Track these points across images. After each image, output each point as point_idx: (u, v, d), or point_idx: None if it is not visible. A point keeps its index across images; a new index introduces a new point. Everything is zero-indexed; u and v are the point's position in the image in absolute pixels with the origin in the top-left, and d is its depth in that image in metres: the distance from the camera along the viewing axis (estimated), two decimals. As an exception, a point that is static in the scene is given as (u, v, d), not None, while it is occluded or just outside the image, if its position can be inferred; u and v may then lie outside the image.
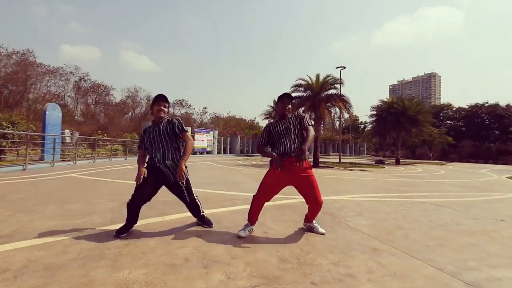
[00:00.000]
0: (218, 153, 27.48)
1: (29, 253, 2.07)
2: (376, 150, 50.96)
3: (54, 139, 8.93)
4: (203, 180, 7.11)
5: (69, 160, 9.71)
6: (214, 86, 75.40)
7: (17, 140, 9.56)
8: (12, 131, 8.90)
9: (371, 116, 22.55)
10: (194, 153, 22.99)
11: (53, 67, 32.24)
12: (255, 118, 51.86)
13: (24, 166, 7.45)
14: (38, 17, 50.50)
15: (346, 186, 6.80)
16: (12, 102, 29.15)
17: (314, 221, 2.90)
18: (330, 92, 13.71)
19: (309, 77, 14.20)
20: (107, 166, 9.96)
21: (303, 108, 12.59)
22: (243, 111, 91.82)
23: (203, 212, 2.91)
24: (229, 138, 29.46)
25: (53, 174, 6.82)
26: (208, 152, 24.90)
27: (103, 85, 37.53)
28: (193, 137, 23.00)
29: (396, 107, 19.04)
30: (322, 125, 14.41)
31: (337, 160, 17.99)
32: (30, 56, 30.51)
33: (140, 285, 1.66)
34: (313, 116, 14.36)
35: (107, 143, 15.64)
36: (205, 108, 54.15)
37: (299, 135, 2.69)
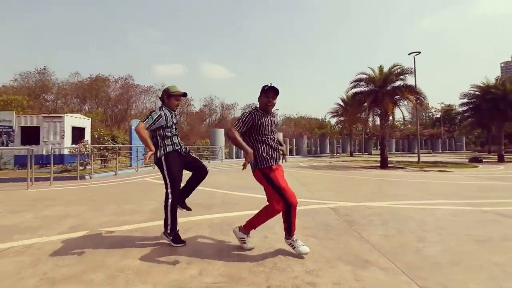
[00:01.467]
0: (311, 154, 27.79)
1: (75, 240, 2.82)
2: (482, 145, 41.89)
3: (137, 148, 10.99)
4: (239, 182, 7.52)
5: (150, 166, 11.68)
6: (284, 86, 76.37)
7: (117, 151, 12.09)
8: (107, 145, 11.33)
9: (462, 105, 18.98)
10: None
11: (146, 86, 38.53)
12: (325, 116, 50.14)
13: (116, 172, 9.41)
14: (135, 44, 62.13)
15: (402, 190, 6.11)
16: (119, 118, 36.44)
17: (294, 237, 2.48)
18: (398, 84, 12.26)
19: (372, 69, 13.07)
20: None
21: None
22: (312, 110, 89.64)
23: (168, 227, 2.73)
24: (294, 139, 29.37)
25: (132, 179, 8.42)
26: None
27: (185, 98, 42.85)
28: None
29: (494, 92, 15.50)
30: (388, 121, 12.97)
31: (418, 159, 15.82)
32: (130, 79, 37.44)
33: (131, 272, 2.10)
34: (377, 112, 13.15)
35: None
36: (276, 110, 55.43)
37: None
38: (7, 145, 12.14)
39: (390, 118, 13.29)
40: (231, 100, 72.88)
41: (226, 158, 20.76)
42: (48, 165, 11.17)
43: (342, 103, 28.03)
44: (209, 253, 2.49)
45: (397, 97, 12.25)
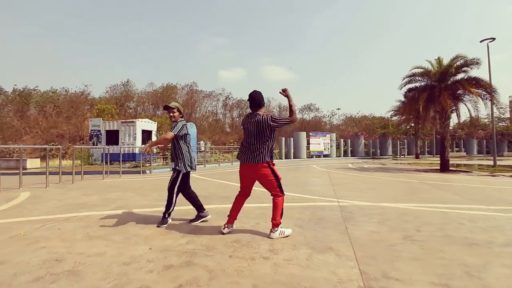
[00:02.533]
0: (338, 156, 26.79)
1: (115, 215, 3.74)
2: None
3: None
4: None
5: (201, 164, 13.08)
6: (345, 86, 72.82)
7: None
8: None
9: None
10: (311, 156, 23.68)
11: (208, 91, 41.92)
12: (389, 115, 46.10)
13: (171, 168, 10.92)
14: (202, 52, 68.27)
15: (441, 194, 5.64)
16: (186, 121, 40.65)
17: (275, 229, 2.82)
18: (459, 77, 10.84)
19: (429, 62, 11.84)
20: (225, 169, 12.59)
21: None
22: (374, 109, 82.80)
23: (167, 214, 3.33)
24: (349, 140, 28.01)
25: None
26: (325, 156, 24.88)
27: (244, 101, 44.98)
28: (308, 141, 23.85)
29: None
30: (449, 120, 11.52)
31: (494, 163, 13.55)
32: (194, 86, 41.38)
33: (142, 237, 2.82)
34: (436, 109, 11.82)
35: (233, 150, 19.19)
36: (338, 109, 53.54)
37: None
38: (96, 145, 15.14)
39: (454, 115, 11.73)
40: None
41: (275, 158, 21.31)
42: (124, 162, 13.56)
43: (404, 100, 25.53)
44: (204, 231, 3.06)
45: (459, 91, 10.83)
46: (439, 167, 11.94)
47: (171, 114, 3.45)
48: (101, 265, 2.15)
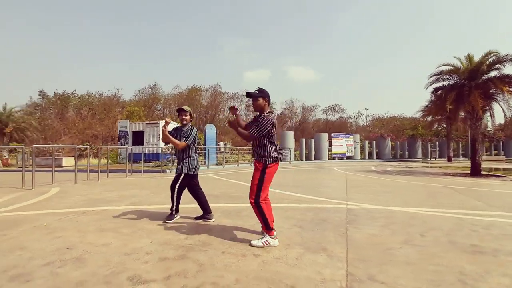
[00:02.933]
0: (362, 158, 25.92)
1: (128, 211, 4.01)
2: None
3: (208, 149, 12.82)
4: (292, 182, 7.86)
5: (220, 164, 13.36)
6: (373, 85, 70.39)
7: (199, 151, 14.42)
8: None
9: None
10: (333, 158, 23.16)
11: (232, 93, 42.64)
12: (420, 116, 43.67)
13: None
14: (228, 53, 69.78)
15: (463, 200, 5.32)
16: (209, 123, 41.74)
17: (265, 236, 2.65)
18: (492, 75, 10.05)
19: (458, 58, 11.12)
20: (243, 169, 12.77)
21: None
22: (404, 109, 78.75)
23: (172, 210, 3.51)
24: (374, 141, 26.98)
25: (200, 174, 9.99)
26: (348, 157, 24.19)
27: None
28: (330, 142, 23.34)
29: None
30: (480, 121, 10.72)
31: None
32: (218, 87, 42.34)
33: (146, 231, 3.02)
34: (467, 109, 11.07)
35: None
36: (365, 109, 51.87)
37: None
38: (124, 145, 16.07)
39: (487, 119, 10.90)
40: (313, 101, 71.93)
41: (296, 160, 21.14)
42: (149, 161, 14.26)
43: (432, 99, 24.11)
44: (206, 229, 3.20)
45: (492, 90, 10.05)
46: (469, 171, 11.16)
47: (183, 117, 3.60)
48: (104, 255, 2.35)
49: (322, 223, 3.43)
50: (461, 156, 31.10)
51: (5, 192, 5.60)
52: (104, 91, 37.15)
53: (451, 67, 10.94)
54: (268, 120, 2.72)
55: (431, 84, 11.90)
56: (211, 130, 14.64)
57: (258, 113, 2.88)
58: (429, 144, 29.67)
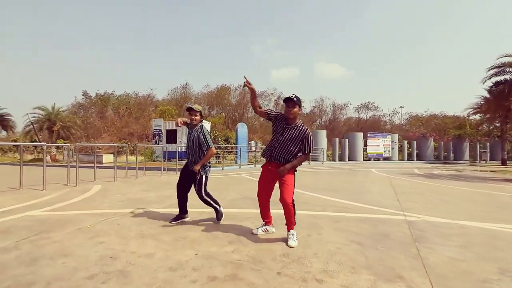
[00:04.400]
0: (401, 159, 24.21)
1: (167, 214, 3.85)
2: None
3: (240, 149, 12.63)
4: (323, 184, 7.34)
5: (252, 164, 13.13)
6: (409, 82, 66.16)
7: (224, 150, 14.35)
8: (219, 144, 13.51)
9: None
10: (368, 159, 21.89)
11: (260, 91, 42.41)
12: (468, 113, 39.99)
13: (222, 167, 11.22)
14: (256, 53, 69.79)
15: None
16: (238, 121, 41.91)
17: (291, 231, 2.81)
18: None
19: (525, 50, 9.72)
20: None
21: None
22: (445, 107, 72.63)
23: (217, 209, 3.49)
24: (415, 142, 25.05)
25: (233, 174, 9.83)
26: (385, 159, 22.71)
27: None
28: (365, 142, 22.06)
29: None
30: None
31: None
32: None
33: (188, 240, 2.79)
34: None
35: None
36: (401, 107, 48.81)
37: (291, 147, 2.79)
38: (158, 143, 16.52)
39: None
40: (344, 99, 69.35)
41: (329, 160, 20.30)
42: (182, 159, 14.48)
43: (488, 95, 21.78)
44: (252, 239, 2.90)
45: None
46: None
47: (193, 117, 3.43)
48: (149, 269, 2.14)
49: (384, 240, 2.96)
50: (516, 159, 27.83)
51: (52, 189, 5.81)
52: (140, 91, 39.01)
53: (516, 59, 9.59)
54: (310, 135, 2.87)
55: (490, 78, 10.59)
56: (242, 129, 14.46)
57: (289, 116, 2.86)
58: (478, 145, 26.96)
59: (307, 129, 2.85)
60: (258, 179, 3.07)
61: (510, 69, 9.87)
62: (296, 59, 71.37)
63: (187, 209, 3.60)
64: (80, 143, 19.82)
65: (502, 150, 23.06)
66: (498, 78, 10.26)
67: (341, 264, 2.31)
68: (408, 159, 24.43)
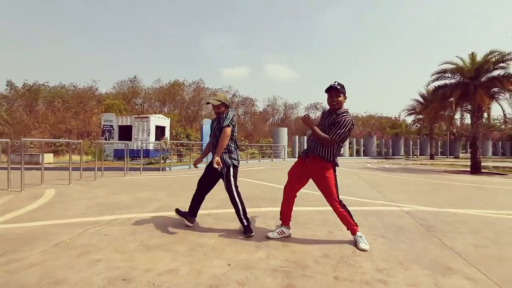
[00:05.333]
0: (350, 155, 26.22)
1: (159, 219, 3.30)
2: None
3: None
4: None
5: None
6: (353, 84, 72.16)
7: (191, 147, 13.54)
8: (183, 141, 12.67)
9: None
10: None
11: (215, 89, 41.46)
12: (399, 115, 45.56)
13: (189, 166, 10.50)
14: (206, 50, 67.84)
15: (501, 199, 5.14)
16: (192, 118, 40.26)
17: (357, 234, 2.49)
18: (495, 74, 10.25)
19: (460, 58, 11.25)
20: (243, 166, 12.14)
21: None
22: (384, 108, 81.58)
23: (244, 218, 2.76)
24: (362, 139, 27.41)
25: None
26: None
27: (249, 98, 44.43)
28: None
29: None
30: (482, 119, 10.95)
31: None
32: (201, 83, 40.93)
33: (208, 248, 2.37)
34: (468, 107, 11.29)
35: (248, 147, 18.72)
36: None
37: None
38: (108, 140, 14.75)
39: (485, 115, 11.13)
40: (294, 99, 72.32)
41: (288, 157, 20.80)
42: (137, 158, 13.16)
43: (421, 99, 24.95)
44: (276, 241, 2.60)
45: (495, 89, 10.25)
46: (468, 169, 11.42)
47: (217, 110, 2.93)
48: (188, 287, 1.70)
49: (402, 231, 2.96)
50: (439, 154, 32.62)
51: (-15, 196, 4.58)
52: (79, 83, 34.48)
53: (454, 66, 11.02)
54: (350, 121, 2.45)
55: (433, 82, 12.00)
56: (207, 126, 13.77)
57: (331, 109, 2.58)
58: (411, 142, 30.76)
59: (345, 114, 2.47)
60: (288, 171, 2.76)
61: (448, 74, 11.26)
62: (246, 58, 71.85)
63: (197, 214, 3.11)
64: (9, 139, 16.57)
65: (430, 146, 26.75)
66: (439, 83, 11.61)
67: (386, 260, 2.18)
68: (356, 155, 26.56)
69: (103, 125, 15.10)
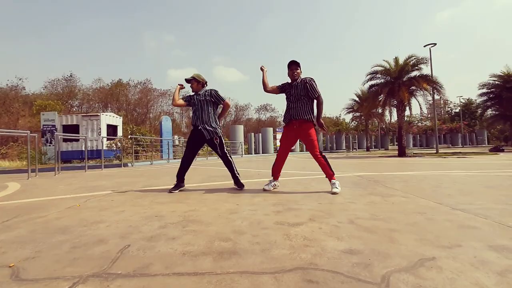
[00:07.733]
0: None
1: (155, 190, 3.60)
2: (506, 139, 40.42)
3: (168, 142, 11.97)
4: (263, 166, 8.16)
5: (179, 158, 12.61)
6: (295, 87, 76.35)
7: (145, 145, 13.17)
8: (147, 137, 12.35)
9: (481, 95, 18.93)
10: (277, 151, 24.53)
11: (163, 90, 39.99)
12: (339, 114, 50.52)
13: (152, 162, 10.37)
14: (151, 49, 65.10)
15: (421, 167, 6.59)
16: (139, 121, 38.11)
17: (332, 180, 3.16)
18: (413, 75, 12.60)
19: (387, 61, 13.44)
20: (198, 163, 12.40)
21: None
22: (328, 109, 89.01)
23: (237, 173, 3.52)
24: (310, 135, 29.74)
25: (167, 166, 9.30)
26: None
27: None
28: (275, 136, 24.72)
29: (515, 80, 15.43)
30: (405, 111, 13.27)
31: (436, 151, 15.96)
32: (149, 84, 39.05)
33: (213, 200, 2.83)
34: (394, 102, 13.52)
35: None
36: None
37: (303, 101, 3.13)
38: (50, 142, 13.39)
39: (407, 110, 13.48)
40: (244, 101, 73.81)
41: (245, 154, 21.54)
42: (89, 160, 12.28)
43: (357, 99, 28.28)
44: (270, 193, 3.18)
45: (413, 87, 12.58)
46: (396, 154, 13.65)
47: (192, 85, 3.61)
48: (213, 215, 2.16)
49: (357, 183, 3.85)
50: (373, 147, 37.26)
51: None
52: (1, 82, 29.63)
53: (383, 68, 13.13)
54: (311, 80, 3.18)
55: (367, 81, 14.02)
56: (167, 123, 13.62)
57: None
58: (350, 138, 34.53)
59: (306, 78, 3.15)
60: (280, 139, 3.43)
61: (379, 75, 13.33)
62: (193, 60, 70.91)
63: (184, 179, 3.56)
64: None
65: (366, 140, 30.49)
66: (372, 82, 13.58)
67: (352, 195, 2.95)
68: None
69: (43, 125, 13.64)
